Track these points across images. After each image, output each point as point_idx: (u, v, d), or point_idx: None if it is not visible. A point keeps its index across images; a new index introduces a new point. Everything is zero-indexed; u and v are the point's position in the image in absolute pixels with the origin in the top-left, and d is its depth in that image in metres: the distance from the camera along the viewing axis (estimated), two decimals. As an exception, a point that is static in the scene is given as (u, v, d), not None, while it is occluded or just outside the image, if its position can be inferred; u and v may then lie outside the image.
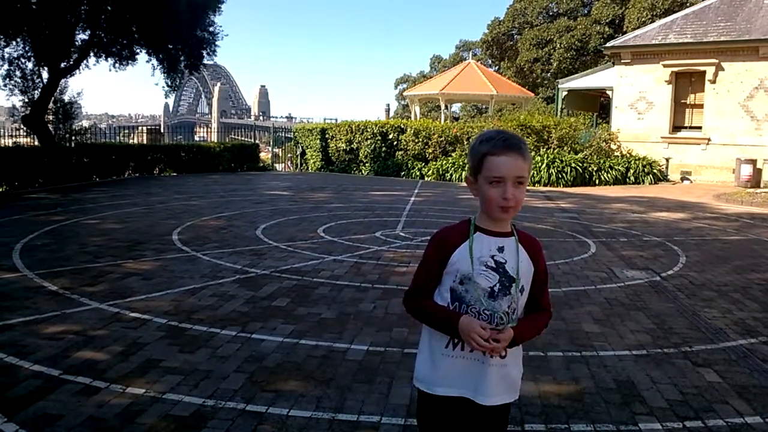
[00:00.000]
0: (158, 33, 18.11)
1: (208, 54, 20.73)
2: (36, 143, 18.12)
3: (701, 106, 20.99)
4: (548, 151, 20.21)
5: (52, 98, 18.63)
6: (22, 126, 18.56)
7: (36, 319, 4.96)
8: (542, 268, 2.07)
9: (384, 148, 23.34)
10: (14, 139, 18.69)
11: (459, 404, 2.00)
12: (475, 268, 1.96)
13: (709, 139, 20.61)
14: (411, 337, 4.73)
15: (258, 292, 5.93)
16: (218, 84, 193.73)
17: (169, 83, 20.81)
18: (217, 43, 20.55)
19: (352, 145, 24.25)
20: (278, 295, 5.85)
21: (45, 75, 18.42)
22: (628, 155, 21.01)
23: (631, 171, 20.06)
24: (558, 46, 39.71)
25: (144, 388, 3.70)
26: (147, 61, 19.97)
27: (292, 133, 30.39)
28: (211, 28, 20.24)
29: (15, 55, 17.89)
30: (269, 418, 3.39)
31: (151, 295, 5.75)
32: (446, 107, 32.09)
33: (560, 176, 19.02)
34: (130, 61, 19.83)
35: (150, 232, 9.20)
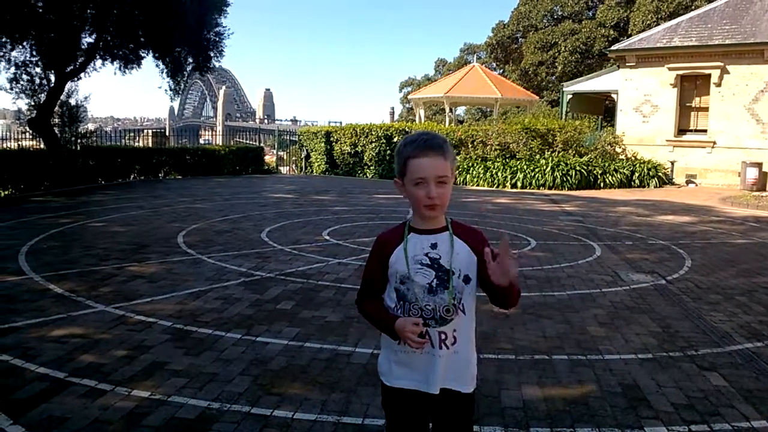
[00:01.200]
0: (165, 36, 18.16)
1: (215, 56, 20.78)
2: (42, 146, 18.18)
3: (706, 109, 20.94)
4: (553, 154, 20.19)
5: (58, 101, 18.70)
6: (27, 129, 18.62)
7: (42, 322, 4.97)
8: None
9: (388, 151, 23.32)
10: (20, 143, 18.75)
11: (415, 396, 2.08)
12: (411, 267, 2.05)
13: (714, 143, 20.56)
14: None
15: (263, 295, 5.94)
16: (223, 87, 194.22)
17: (173, 86, 20.87)
18: (224, 42, 20.61)
19: (357, 148, 24.27)
20: (283, 298, 5.85)
21: (51, 78, 18.49)
22: (633, 158, 20.97)
23: (636, 174, 20.01)
24: (563, 49, 39.71)
25: (149, 391, 3.71)
26: (155, 65, 20.06)
27: (296, 136, 30.43)
28: (217, 29, 20.29)
29: (21, 59, 17.97)
30: (274, 421, 3.39)
31: (157, 298, 5.76)
32: (451, 110, 32.09)
33: (565, 179, 19.00)
34: (135, 65, 19.90)
35: (155, 235, 9.22)
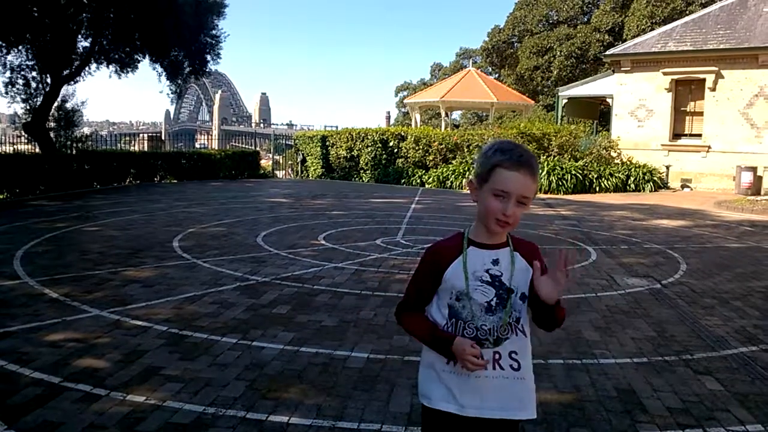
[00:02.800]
0: (161, 39, 18.17)
1: (212, 59, 20.81)
2: (37, 150, 18.14)
3: (701, 113, 21.01)
4: (548, 159, 20.23)
5: (54, 105, 18.68)
6: (23, 133, 18.58)
7: (37, 327, 4.96)
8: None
9: (384, 156, 23.36)
10: (15, 147, 18.72)
11: (460, 420, 1.94)
12: (470, 284, 1.94)
13: (709, 147, 20.63)
14: (412, 345, 4.72)
15: (259, 300, 5.93)
16: (219, 91, 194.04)
17: (174, 89, 20.88)
18: (221, 45, 20.65)
19: (353, 153, 24.27)
20: (279, 303, 5.85)
21: (47, 82, 18.45)
22: (628, 163, 21.03)
23: (632, 178, 20.07)
24: (558, 53, 39.83)
25: (144, 396, 3.70)
26: (152, 69, 20.04)
27: (292, 141, 30.44)
28: (213, 32, 20.30)
29: (17, 63, 17.97)
30: (269, 426, 3.38)
31: (152, 303, 5.75)
32: (447, 115, 32.14)
33: (560, 183, 19.04)
34: (131, 68, 19.89)
35: (151, 240, 9.20)
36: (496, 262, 1.96)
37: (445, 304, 1.97)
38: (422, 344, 2.02)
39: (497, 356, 1.93)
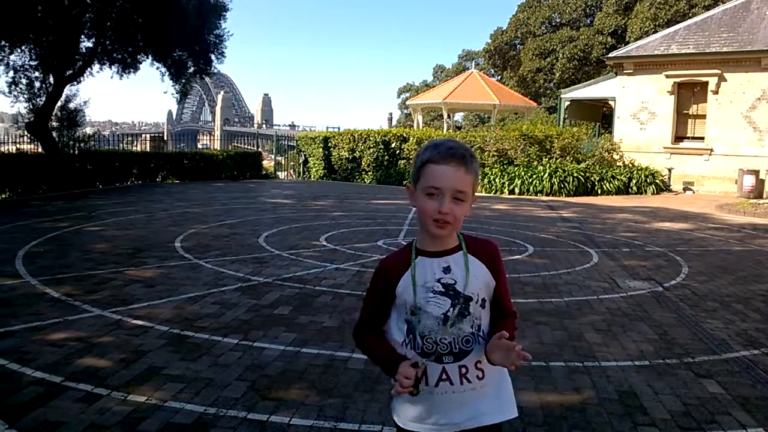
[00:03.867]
0: (165, 39, 18.18)
1: (216, 58, 20.81)
2: (40, 150, 18.17)
3: (704, 116, 21.00)
4: (551, 161, 20.24)
5: (57, 105, 18.70)
6: (26, 133, 18.61)
7: (38, 326, 4.96)
8: (502, 273, 1.90)
9: (386, 157, 23.37)
10: (18, 146, 18.75)
11: None
12: (421, 296, 1.81)
13: (711, 150, 20.62)
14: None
15: (260, 300, 5.94)
16: (221, 92, 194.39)
17: (178, 89, 20.91)
18: (224, 44, 20.65)
19: (355, 154, 24.29)
20: (280, 304, 5.85)
21: (50, 82, 18.48)
22: (630, 165, 21.03)
23: (634, 181, 20.06)
24: (561, 56, 39.80)
25: (146, 396, 3.70)
26: (156, 68, 20.05)
27: (294, 142, 30.47)
28: (217, 31, 20.32)
29: (20, 63, 17.97)
30: (270, 427, 3.38)
31: (154, 303, 5.75)
32: (449, 116, 32.13)
33: (562, 186, 19.03)
34: (134, 69, 19.91)
35: (152, 240, 9.21)
36: (447, 270, 1.83)
37: (402, 320, 1.86)
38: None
39: (464, 370, 1.82)
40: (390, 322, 1.92)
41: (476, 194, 1.88)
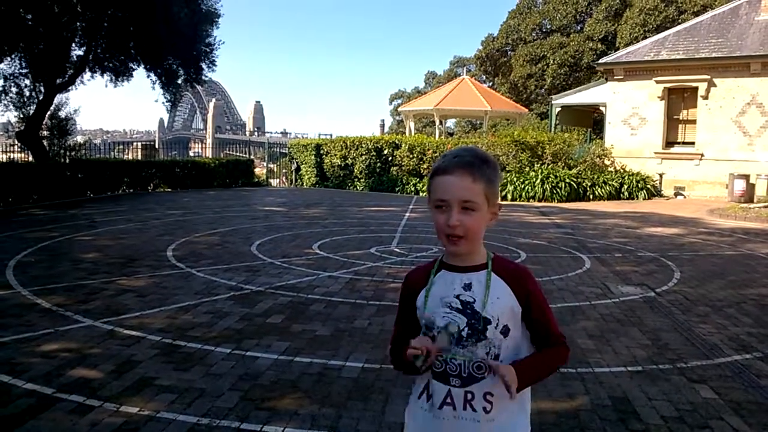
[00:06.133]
0: (156, 48, 18.17)
1: (207, 67, 20.81)
2: (30, 159, 18.09)
3: (694, 121, 21.14)
4: (542, 167, 20.29)
5: (48, 114, 18.64)
6: (16, 142, 18.54)
7: (29, 337, 4.93)
8: (535, 300, 1.76)
9: (379, 164, 23.38)
10: (8, 155, 18.66)
11: None
12: (436, 311, 1.73)
13: (702, 155, 20.73)
14: (406, 354, 4.71)
15: (253, 309, 5.92)
16: (213, 100, 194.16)
17: (169, 97, 20.88)
18: (215, 53, 20.66)
19: (347, 161, 24.29)
20: (273, 312, 5.83)
21: (40, 91, 18.42)
22: (621, 171, 21.12)
23: (625, 186, 20.15)
24: (551, 62, 40.01)
25: (138, 407, 3.68)
26: (147, 77, 20.04)
27: (287, 149, 30.44)
28: (208, 40, 20.32)
29: (10, 71, 17.95)
30: (264, 437, 3.37)
31: (145, 312, 5.72)
32: (441, 123, 32.21)
33: (554, 191, 19.09)
34: (126, 77, 19.89)
35: (144, 249, 9.17)
36: (468, 287, 1.73)
37: (420, 334, 1.77)
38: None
39: (469, 396, 1.70)
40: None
41: (499, 201, 1.78)
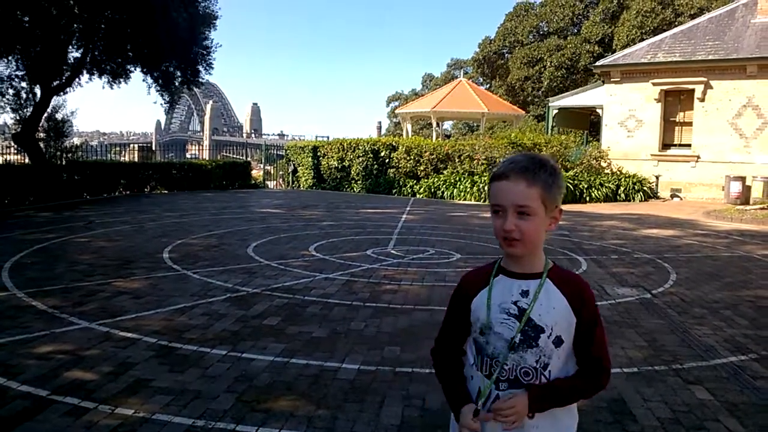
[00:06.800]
0: (154, 50, 18.15)
1: (204, 69, 20.80)
2: (27, 161, 18.06)
3: (690, 124, 21.17)
4: (539, 169, 20.27)
5: (44, 116, 18.61)
6: (12, 144, 18.51)
7: (25, 339, 4.92)
8: (587, 314, 1.75)
9: (376, 166, 23.38)
10: (5, 157, 18.63)
11: None
12: (494, 316, 1.74)
13: (698, 157, 20.77)
14: (403, 356, 4.72)
15: (249, 311, 5.91)
16: (210, 102, 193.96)
17: (167, 99, 20.88)
18: (213, 56, 20.66)
19: (344, 163, 24.29)
20: (269, 314, 5.83)
21: (37, 93, 18.39)
22: (618, 173, 21.15)
23: (622, 188, 20.18)
24: (548, 64, 40.09)
25: (133, 409, 3.67)
26: (144, 79, 20.01)
27: (283, 151, 30.43)
28: (205, 42, 20.32)
29: (6, 73, 17.89)
30: (259, 439, 3.36)
31: (141, 314, 5.71)
32: (438, 125, 32.23)
33: (551, 193, 19.07)
34: (123, 79, 19.86)
35: (140, 251, 9.16)
36: (525, 293, 1.74)
37: (472, 338, 1.81)
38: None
39: None
40: (468, 339, 1.86)
41: (560, 206, 1.79)
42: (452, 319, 1.87)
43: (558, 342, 1.72)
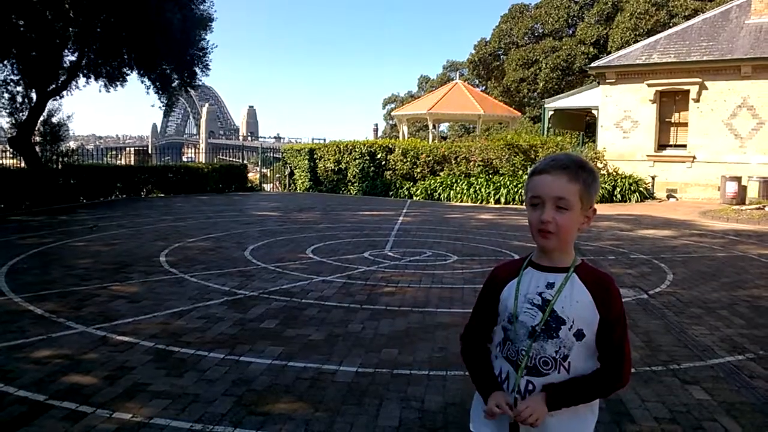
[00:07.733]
0: (150, 53, 18.14)
1: (201, 71, 20.79)
2: (23, 165, 18.02)
3: (686, 124, 21.23)
4: (535, 170, 20.30)
5: (40, 120, 18.58)
6: (8, 148, 18.47)
7: (22, 344, 4.90)
8: (612, 314, 1.79)
9: (372, 168, 23.40)
10: (0, 161, 18.59)
11: None
12: (520, 306, 1.80)
13: (694, 157, 20.83)
14: (400, 358, 4.72)
15: (246, 314, 5.90)
16: (206, 105, 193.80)
17: (165, 101, 20.87)
18: (209, 57, 20.65)
19: (341, 165, 24.30)
20: (266, 317, 5.82)
21: (33, 97, 18.36)
22: (614, 173, 21.18)
23: (618, 189, 20.21)
24: (544, 66, 40.13)
25: (131, 413, 3.66)
26: (141, 82, 20.00)
27: (280, 154, 30.44)
28: (201, 44, 20.31)
29: (2, 77, 17.87)
30: (258, 442, 3.36)
31: (138, 318, 5.71)
32: (434, 127, 32.26)
33: (548, 195, 19.09)
34: (119, 82, 19.83)
35: (137, 254, 9.15)
36: (551, 285, 1.79)
37: (501, 326, 1.86)
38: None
39: (530, 387, 1.77)
40: (496, 328, 1.92)
41: (594, 207, 1.84)
42: (482, 308, 1.94)
43: (579, 335, 1.76)
